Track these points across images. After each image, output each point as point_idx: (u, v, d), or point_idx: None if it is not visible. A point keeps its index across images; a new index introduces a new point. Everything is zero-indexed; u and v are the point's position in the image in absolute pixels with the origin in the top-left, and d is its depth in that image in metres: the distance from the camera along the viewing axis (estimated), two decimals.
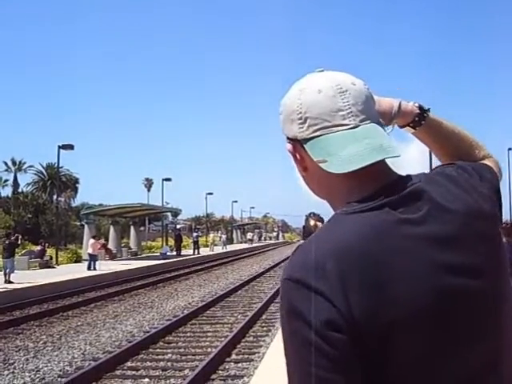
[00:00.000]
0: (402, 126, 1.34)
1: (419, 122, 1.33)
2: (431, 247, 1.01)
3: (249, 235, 79.31)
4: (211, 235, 58.90)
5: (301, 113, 1.11)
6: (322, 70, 1.17)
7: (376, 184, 1.07)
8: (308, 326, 0.93)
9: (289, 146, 1.16)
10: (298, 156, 1.15)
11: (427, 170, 1.22)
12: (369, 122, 1.09)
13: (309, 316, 0.94)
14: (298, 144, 1.13)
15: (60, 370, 9.05)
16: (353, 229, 1.01)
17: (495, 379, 1.04)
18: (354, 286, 0.95)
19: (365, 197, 1.05)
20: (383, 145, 1.05)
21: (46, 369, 9.14)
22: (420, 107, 1.33)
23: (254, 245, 68.80)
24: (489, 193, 1.17)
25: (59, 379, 8.44)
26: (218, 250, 50.78)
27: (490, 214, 1.13)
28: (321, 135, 1.08)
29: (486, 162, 1.32)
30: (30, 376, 8.71)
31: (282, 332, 1.00)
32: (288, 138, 1.17)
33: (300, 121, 1.11)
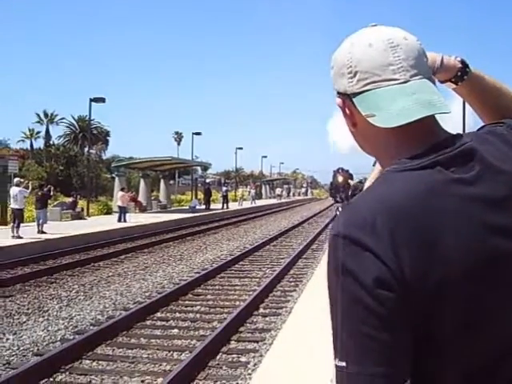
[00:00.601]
0: (443, 81, 1.31)
1: (461, 76, 1.30)
2: (482, 208, 1.00)
3: (277, 191, 79.32)
4: (240, 190, 58.97)
5: (351, 66, 1.09)
6: (375, 25, 1.14)
7: (426, 141, 1.05)
8: (357, 283, 0.93)
9: (338, 101, 1.15)
10: (347, 111, 1.14)
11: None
12: (420, 77, 1.07)
13: (358, 273, 0.93)
14: (347, 99, 1.12)
15: (92, 319, 9.29)
16: (404, 187, 1.00)
17: None
18: (405, 244, 0.94)
19: (416, 154, 1.04)
20: (433, 100, 1.03)
21: (78, 317, 9.39)
22: (462, 61, 1.30)
23: (283, 200, 68.85)
24: None
25: (91, 327, 8.68)
26: (247, 204, 50.98)
27: None
28: (370, 89, 1.07)
29: None
30: (63, 323, 8.96)
31: (329, 289, 0.99)
32: (338, 93, 1.15)
33: (350, 75, 1.10)
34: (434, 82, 1.12)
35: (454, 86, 1.32)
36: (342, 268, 0.96)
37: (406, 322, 0.93)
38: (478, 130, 1.21)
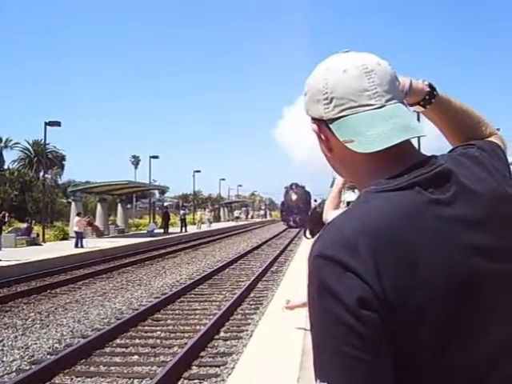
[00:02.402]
0: (412, 105, 1.35)
1: (429, 100, 1.34)
2: (460, 229, 1.03)
3: (236, 213, 79.19)
4: (198, 213, 58.55)
5: (326, 93, 1.11)
6: (348, 51, 1.16)
7: (404, 163, 1.07)
8: (340, 304, 0.94)
9: (314, 127, 1.16)
10: (322, 137, 1.15)
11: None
12: (394, 101, 1.10)
13: (340, 293, 0.94)
14: (323, 124, 1.14)
15: (49, 348, 9.07)
16: (385, 207, 1.02)
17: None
18: (386, 264, 0.95)
19: (394, 175, 1.06)
20: (410, 124, 1.06)
21: (35, 346, 9.16)
22: (430, 85, 1.34)
23: (241, 223, 68.70)
24: (508, 174, 1.19)
25: (49, 356, 8.46)
26: (206, 227, 50.74)
27: None
28: (347, 115, 1.09)
29: (493, 139, 1.34)
30: (19, 353, 8.72)
31: (310, 309, 1.00)
32: (313, 119, 1.17)
33: (326, 101, 1.11)
34: (406, 106, 1.15)
35: (423, 109, 1.36)
36: (325, 288, 0.96)
37: (388, 342, 0.95)
38: (450, 151, 1.25)
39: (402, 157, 1.08)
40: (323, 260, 0.98)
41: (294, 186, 61.14)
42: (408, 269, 0.97)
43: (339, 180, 3.71)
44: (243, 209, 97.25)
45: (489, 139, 1.33)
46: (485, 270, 1.03)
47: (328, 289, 0.96)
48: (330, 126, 1.11)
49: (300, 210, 56.45)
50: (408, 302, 0.95)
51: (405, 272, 0.96)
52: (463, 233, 1.03)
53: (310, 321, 1.00)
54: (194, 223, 54.77)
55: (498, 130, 1.41)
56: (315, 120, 1.16)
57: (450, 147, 1.31)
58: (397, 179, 1.05)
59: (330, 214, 3.74)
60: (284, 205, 63.11)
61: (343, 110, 1.09)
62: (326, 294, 0.96)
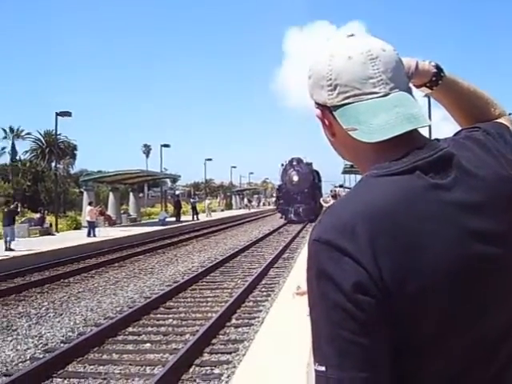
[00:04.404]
0: (418, 86, 1.33)
1: (436, 81, 1.32)
2: (460, 213, 1.02)
3: (246, 200, 79.09)
4: (207, 201, 58.08)
5: (331, 79, 1.10)
6: (352, 35, 1.15)
7: (406, 148, 1.06)
8: (337, 289, 0.94)
9: (317, 112, 1.16)
10: (326, 122, 1.15)
11: None
12: (398, 90, 1.09)
13: (338, 278, 0.95)
14: (326, 110, 1.13)
15: (62, 336, 9.17)
16: (384, 192, 1.01)
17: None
18: (384, 249, 0.95)
19: (395, 159, 1.05)
20: (414, 114, 1.05)
21: (48, 335, 9.26)
22: (437, 66, 1.32)
23: (253, 210, 68.54)
24: None
25: (62, 345, 8.55)
26: (216, 215, 50.60)
27: None
28: (351, 103, 1.08)
29: (502, 120, 1.32)
30: (33, 342, 8.82)
31: (309, 293, 1.00)
32: (316, 103, 1.16)
33: (330, 87, 1.10)
34: (411, 92, 1.14)
35: (429, 90, 1.34)
36: (322, 273, 0.97)
37: (386, 326, 0.95)
38: (455, 134, 1.23)
39: (405, 142, 1.07)
40: (321, 244, 0.98)
41: (294, 163, 41.65)
42: (407, 253, 0.96)
43: None
44: (255, 196, 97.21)
45: (497, 121, 1.31)
46: (485, 254, 1.02)
47: (325, 273, 0.96)
48: (334, 112, 1.11)
49: (304, 197, 40.12)
50: (407, 286, 0.95)
51: (403, 256, 0.96)
52: (463, 217, 1.02)
53: (309, 305, 1.00)
54: (204, 211, 54.58)
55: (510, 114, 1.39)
56: (319, 105, 1.15)
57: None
58: (398, 163, 1.04)
59: None
60: (281, 189, 43.56)
61: (347, 98, 1.08)
62: (324, 279, 0.96)
